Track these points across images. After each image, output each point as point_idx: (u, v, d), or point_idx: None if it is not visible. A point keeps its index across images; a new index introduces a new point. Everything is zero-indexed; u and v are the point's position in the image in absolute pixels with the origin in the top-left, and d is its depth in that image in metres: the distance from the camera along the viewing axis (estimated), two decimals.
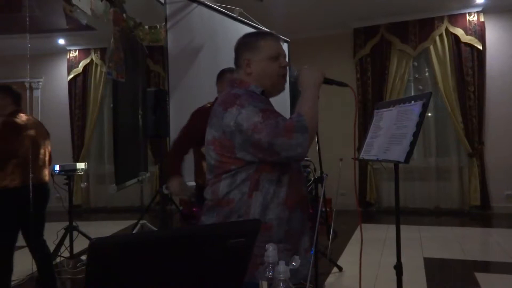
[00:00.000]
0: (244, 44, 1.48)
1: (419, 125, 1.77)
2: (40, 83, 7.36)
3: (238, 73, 1.50)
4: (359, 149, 2.16)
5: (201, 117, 2.59)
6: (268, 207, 1.35)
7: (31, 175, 2.78)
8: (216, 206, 1.41)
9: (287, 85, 1.52)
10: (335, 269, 3.49)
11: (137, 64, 4.54)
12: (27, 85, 7.20)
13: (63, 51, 7.26)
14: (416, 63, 6.24)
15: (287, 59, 1.49)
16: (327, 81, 1.42)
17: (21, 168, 2.74)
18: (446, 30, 5.92)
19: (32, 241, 2.87)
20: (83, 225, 4.04)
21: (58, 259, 3.76)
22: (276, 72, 1.44)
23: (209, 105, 2.67)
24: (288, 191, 1.38)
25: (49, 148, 3.03)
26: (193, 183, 2.77)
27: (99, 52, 7.14)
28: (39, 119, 6.98)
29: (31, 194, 2.76)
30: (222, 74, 2.66)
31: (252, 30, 4.02)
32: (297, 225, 1.41)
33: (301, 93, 1.39)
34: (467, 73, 5.80)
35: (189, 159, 2.69)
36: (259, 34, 1.50)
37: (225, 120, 1.33)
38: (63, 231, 3.77)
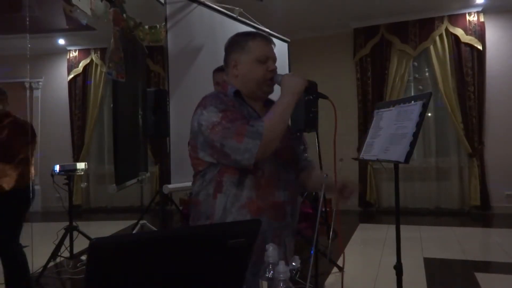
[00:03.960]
0: (233, 44, 1.45)
1: (419, 125, 1.77)
2: (40, 83, 7.36)
3: (226, 73, 1.49)
4: (359, 149, 2.16)
5: None
6: (229, 210, 1.34)
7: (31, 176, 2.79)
8: (192, 206, 1.45)
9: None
10: (335, 269, 3.49)
11: (137, 64, 4.53)
12: (27, 85, 7.20)
13: (63, 51, 7.26)
14: (416, 63, 6.25)
15: (276, 63, 1.45)
16: (308, 91, 1.38)
17: (21, 168, 2.73)
18: (446, 30, 5.92)
19: (5, 246, 2.76)
20: (83, 225, 4.04)
21: (58, 259, 3.76)
22: (262, 75, 1.40)
23: None
24: (252, 195, 1.34)
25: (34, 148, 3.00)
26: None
27: (99, 52, 7.14)
28: (39, 119, 7.05)
29: (30, 195, 2.77)
30: (215, 72, 2.64)
31: (251, 30, 4.02)
32: (262, 231, 1.29)
33: (278, 99, 1.36)
34: (467, 73, 5.80)
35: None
36: (249, 35, 1.46)
37: (192, 122, 1.39)
38: (63, 231, 3.77)
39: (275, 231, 1.38)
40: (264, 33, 1.50)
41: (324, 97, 1.41)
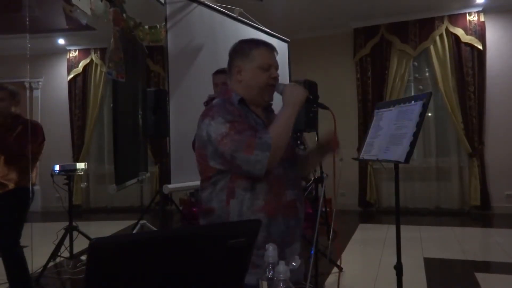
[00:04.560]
0: (237, 51, 1.50)
1: (419, 125, 1.77)
2: (40, 83, 7.36)
3: (229, 78, 1.53)
4: (359, 149, 2.16)
5: None
6: (245, 215, 1.38)
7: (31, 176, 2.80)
8: (203, 213, 1.48)
9: None
10: (335, 269, 3.49)
11: (137, 64, 4.53)
12: (27, 85, 7.20)
13: (63, 51, 7.26)
14: (416, 63, 6.24)
15: (278, 71, 1.50)
16: (309, 101, 1.44)
17: (27, 169, 2.75)
18: (446, 30, 5.92)
19: (7, 246, 2.75)
20: (83, 225, 4.04)
21: (58, 259, 3.76)
22: (265, 82, 1.45)
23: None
24: (266, 198, 1.39)
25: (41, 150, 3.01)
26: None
27: (99, 52, 7.14)
28: (39, 119, 7.05)
29: (30, 195, 2.78)
30: (214, 75, 2.64)
31: (252, 30, 4.02)
32: (279, 231, 1.39)
33: (280, 109, 1.42)
34: (467, 73, 5.80)
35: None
36: (252, 42, 1.51)
37: (200, 130, 1.43)
38: (63, 231, 3.77)
39: (292, 229, 1.44)
40: (267, 42, 1.54)
41: (324, 107, 1.46)
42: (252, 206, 1.38)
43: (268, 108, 1.56)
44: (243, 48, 1.49)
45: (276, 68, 1.49)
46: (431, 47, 5.99)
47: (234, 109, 1.43)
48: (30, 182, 2.82)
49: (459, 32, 5.83)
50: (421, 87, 6.25)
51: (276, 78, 1.47)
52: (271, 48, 1.50)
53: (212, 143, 1.37)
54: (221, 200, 1.41)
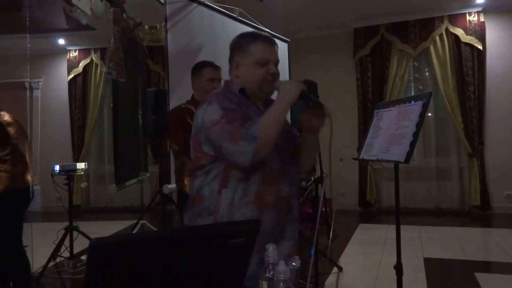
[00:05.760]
0: (236, 45, 1.47)
1: (419, 125, 1.77)
2: (40, 83, 7.36)
3: (230, 72, 1.52)
4: (359, 149, 2.16)
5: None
6: (236, 206, 1.34)
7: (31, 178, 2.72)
8: (191, 203, 1.44)
9: None
10: (335, 269, 3.49)
11: (137, 64, 4.54)
12: (27, 85, 7.20)
13: (63, 51, 7.26)
14: (416, 63, 6.24)
15: (278, 66, 1.45)
16: (303, 97, 1.37)
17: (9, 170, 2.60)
18: (446, 30, 5.92)
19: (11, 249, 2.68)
20: (83, 225, 4.04)
21: (58, 259, 3.76)
22: (262, 78, 1.41)
23: (183, 106, 2.59)
24: (260, 190, 1.35)
25: (29, 149, 2.86)
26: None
27: (99, 52, 7.14)
28: (39, 119, 7.04)
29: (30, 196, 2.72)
30: (198, 69, 2.56)
31: (255, 30, 4.02)
32: (271, 227, 1.35)
33: (273, 104, 1.36)
34: (467, 73, 5.80)
35: None
36: (251, 37, 1.46)
37: (196, 117, 1.40)
38: (63, 231, 3.77)
39: (283, 225, 1.40)
40: (267, 35, 1.49)
41: (318, 104, 1.37)
42: (244, 198, 1.34)
43: (268, 103, 1.50)
44: (241, 43, 1.45)
45: (275, 63, 1.44)
46: (431, 47, 5.99)
47: (234, 96, 1.40)
48: (29, 183, 2.74)
49: (459, 32, 5.83)
50: (421, 87, 6.24)
51: (273, 74, 1.42)
52: (270, 42, 1.45)
53: (205, 128, 1.35)
54: (212, 189, 1.36)
